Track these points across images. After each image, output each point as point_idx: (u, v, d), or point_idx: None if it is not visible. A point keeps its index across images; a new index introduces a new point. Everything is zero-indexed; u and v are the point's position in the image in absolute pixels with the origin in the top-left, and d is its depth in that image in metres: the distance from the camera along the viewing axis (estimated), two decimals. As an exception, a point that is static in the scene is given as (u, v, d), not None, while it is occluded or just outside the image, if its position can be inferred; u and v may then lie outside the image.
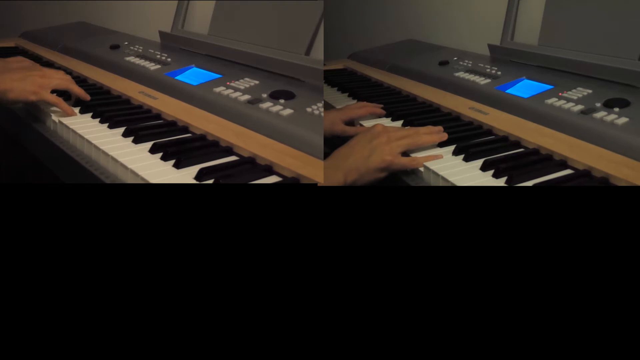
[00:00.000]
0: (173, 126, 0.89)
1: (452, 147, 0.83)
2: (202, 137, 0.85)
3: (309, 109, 0.89)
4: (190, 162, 0.75)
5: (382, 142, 0.79)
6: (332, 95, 1.21)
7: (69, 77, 0.97)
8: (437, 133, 0.85)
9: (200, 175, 0.71)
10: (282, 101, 0.91)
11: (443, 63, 1.29)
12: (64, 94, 0.97)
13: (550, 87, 1.01)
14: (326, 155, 0.79)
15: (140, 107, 0.99)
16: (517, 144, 0.86)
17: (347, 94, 1.20)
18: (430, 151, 0.83)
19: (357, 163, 0.77)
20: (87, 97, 0.97)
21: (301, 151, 0.77)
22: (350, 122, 0.99)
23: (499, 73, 1.14)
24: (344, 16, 1.83)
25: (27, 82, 0.89)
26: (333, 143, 0.89)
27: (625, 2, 1.03)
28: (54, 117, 0.90)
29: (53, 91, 0.94)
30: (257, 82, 1.01)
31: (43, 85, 0.90)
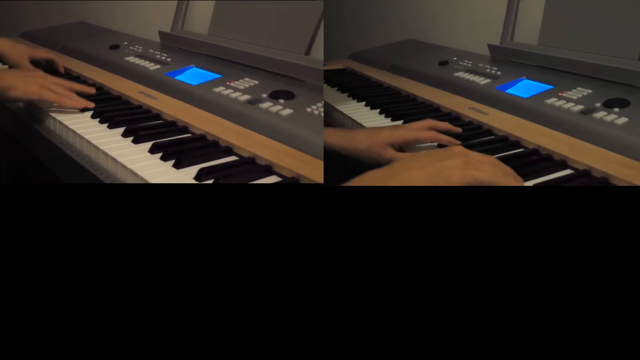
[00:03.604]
0: (173, 126, 0.89)
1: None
2: (202, 137, 0.85)
3: (309, 109, 0.89)
4: (190, 162, 0.75)
5: (456, 165, 0.63)
6: (332, 95, 1.21)
7: (68, 84, 0.99)
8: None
9: (200, 175, 0.71)
10: (282, 101, 0.91)
11: (443, 63, 1.29)
12: None
13: (550, 87, 1.01)
14: (326, 156, 0.78)
15: (140, 107, 0.99)
16: (517, 144, 0.86)
17: (347, 94, 1.20)
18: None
19: (420, 179, 0.62)
20: (93, 90, 1.00)
21: (301, 151, 0.77)
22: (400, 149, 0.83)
23: (499, 73, 1.14)
24: (344, 16, 1.83)
25: (29, 81, 0.91)
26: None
27: (625, 2, 1.03)
28: (54, 116, 0.90)
29: None
30: (257, 82, 1.01)
31: (44, 84, 0.92)
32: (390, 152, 0.81)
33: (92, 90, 1.01)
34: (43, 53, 1.22)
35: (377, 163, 0.82)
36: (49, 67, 1.19)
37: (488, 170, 0.64)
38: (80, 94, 0.97)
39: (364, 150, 0.82)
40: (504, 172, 0.65)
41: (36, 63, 1.19)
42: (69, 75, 1.19)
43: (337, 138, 0.84)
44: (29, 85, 0.90)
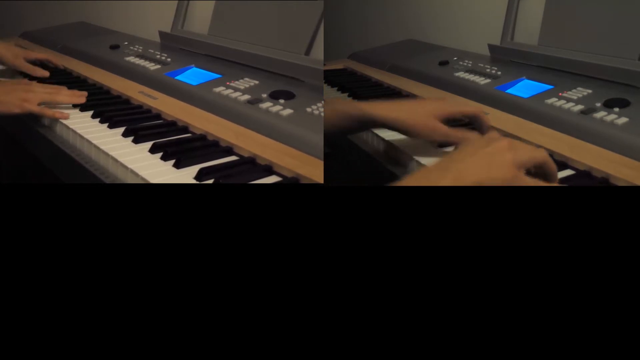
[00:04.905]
0: (173, 126, 0.89)
1: (452, 148, 0.83)
2: (202, 137, 0.85)
3: (309, 109, 0.89)
4: (190, 162, 0.75)
5: (504, 147, 0.61)
6: (332, 95, 1.21)
7: (55, 88, 0.97)
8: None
9: (200, 175, 0.71)
10: (282, 101, 0.91)
11: (443, 63, 1.29)
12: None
13: (550, 87, 1.01)
14: (326, 155, 0.78)
15: (140, 107, 0.99)
16: (517, 144, 0.85)
17: (347, 94, 1.20)
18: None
19: (474, 169, 0.60)
20: (82, 100, 0.96)
21: (301, 151, 0.77)
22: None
23: (499, 73, 1.14)
24: (344, 16, 1.83)
25: (13, 96, 0.91)
26: (334, 141, 0.87)
27: (625, 2, 1.03)
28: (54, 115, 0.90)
29: None
30: (257, 82, 1.01)
31: (27, 99, 0.91)
32: (437, 124, 0.78)
33: (81, 100, 0.97)
34: (38, 54, 1.21)
35: (424, 135, 0.80)
36: (46, 67, 1.18)
37: (533, 149, 0.63)
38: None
39: (407, 121, 0.79)
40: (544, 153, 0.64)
41: (33, 63, 1.18)
42: (69, 75, 1.19)
43: (381, 109, 0.81)
44: (12, 100, 0.90)
